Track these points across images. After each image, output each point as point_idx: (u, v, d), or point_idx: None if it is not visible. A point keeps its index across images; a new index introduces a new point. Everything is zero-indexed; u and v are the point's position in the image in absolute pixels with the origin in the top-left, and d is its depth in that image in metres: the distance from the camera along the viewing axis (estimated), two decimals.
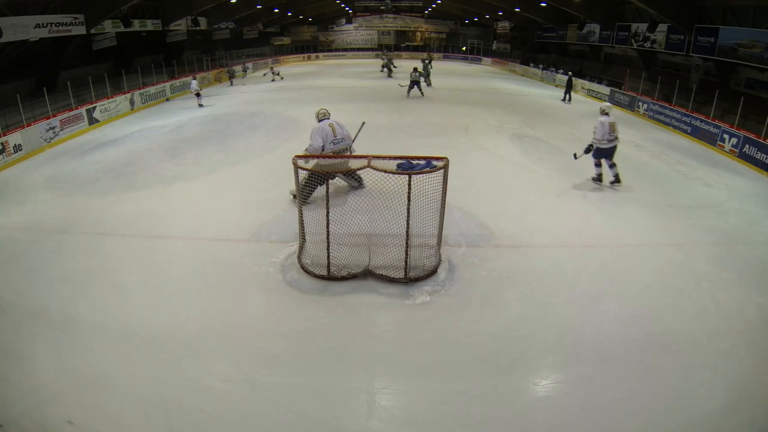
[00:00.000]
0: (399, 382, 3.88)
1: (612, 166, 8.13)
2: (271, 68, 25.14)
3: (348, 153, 6.69)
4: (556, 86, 22.57)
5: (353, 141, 7.04)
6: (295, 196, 6.65)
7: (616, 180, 8.19)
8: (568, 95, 18.20)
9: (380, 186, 5.01)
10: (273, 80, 22.91)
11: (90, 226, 6.56)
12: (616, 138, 8.04)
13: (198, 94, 16.30)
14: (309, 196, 6.37)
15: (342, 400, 3.68)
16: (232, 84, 22.35)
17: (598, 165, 8.26)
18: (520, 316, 4.67)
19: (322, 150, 6.47)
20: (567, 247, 6.05)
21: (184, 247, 5.97)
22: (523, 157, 9.98)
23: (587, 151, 8.23)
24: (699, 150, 11.70)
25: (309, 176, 6.12)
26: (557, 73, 23.48)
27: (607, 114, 8.08)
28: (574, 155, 8.55)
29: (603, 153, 8.09)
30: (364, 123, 7.44)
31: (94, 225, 6.58)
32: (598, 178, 8.30)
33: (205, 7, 21.49)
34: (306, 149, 6.71)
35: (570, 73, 19.22)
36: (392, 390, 3.81)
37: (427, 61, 20.84)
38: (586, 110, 16.45)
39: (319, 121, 6.82)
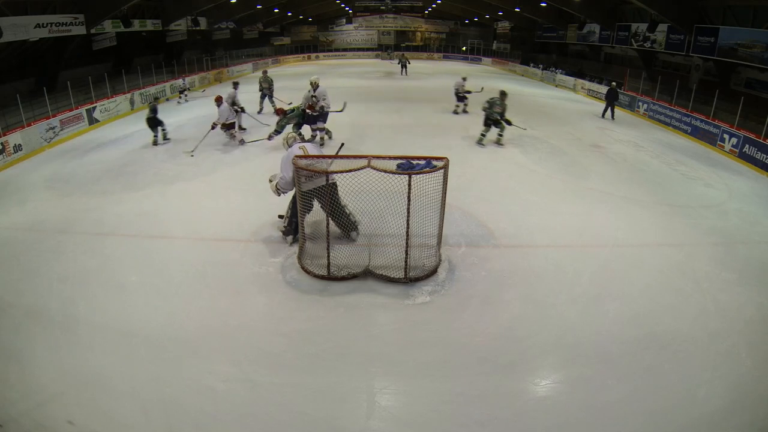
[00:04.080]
0: (399, 382, 3.88)
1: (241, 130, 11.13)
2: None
3: (326, 178, 5.32)
4: (556, 86, 22.59)
5: (330, 164, 5.52)
6: (281, 216, 6.16)
7: (243, 143, 10.76)
8: (610, 110, 14.71)
9: (380, 186, 5.00)
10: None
11: (90, 226, 6.56)
12: (240, 110, 11.22)
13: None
14: (297, 230, 5.62)
15: (342, 400, 3.68)
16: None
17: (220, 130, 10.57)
18: (520, 316, 4.67)
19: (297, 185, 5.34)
20: (567, 247, 6.05)
21: (184, 247, 5.97)
22: (523, 157, 9.97)
23: (213, 128, 10.42)
24: (699, 150, 11.71)
25: (295, 200, 5.51)
26: (557, 73, 23.40)
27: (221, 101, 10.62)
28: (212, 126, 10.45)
29: (231, 126, 10.68)
30: (342, 144, 6.47)
31: (94, 225, 6.58)
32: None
33: (205, 7, 21.46)
34: (276, 184, 5.71)
35: (614, 83, 15.06)
36: (392, 390, 3.81)
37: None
38: (587, 110, 16.45)
39: (289, 146, 5.81)
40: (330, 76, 25.18)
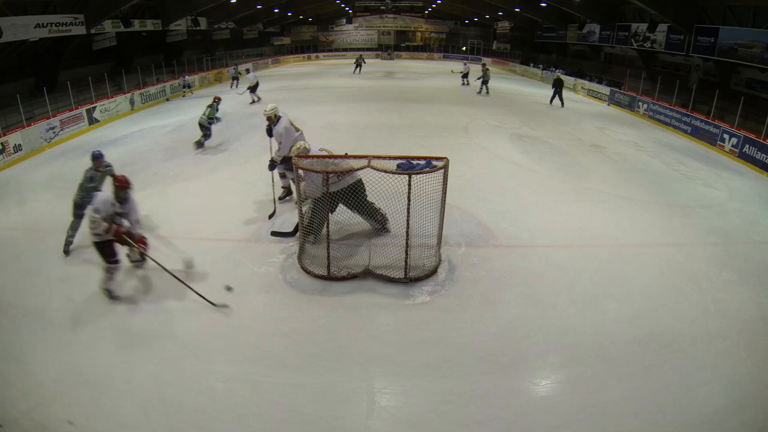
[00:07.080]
0: (399, 382, 3.88)
1: None
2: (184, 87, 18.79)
3: (353, 177, 5.43)
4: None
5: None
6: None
7: None
8: (558, 97, 16.23)
9: (380, 186, 5.00)
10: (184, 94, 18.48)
11: None
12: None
13: None
14: (320, 229, 5.31)
15: (342, 400, 3.68)
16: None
17: None
18: (520, 316, 4.67)
19: (325, 187, 5.03)
20: (567, 247, 6.05)
21: (184, 247, 5.95)
22: (523, 157, 9.98)
23: None
24: (699, 150, 11.71)
25: (315, 205, 5.34)
26: (557, 73, 23.28)
27: None
28: None
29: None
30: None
31: None
32: None
33: (205, 7, 21.48)
34: (303, 189, 5.36)
35: (558, 72, 18.02)
36: (392, 390, 3.81)
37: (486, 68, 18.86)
38: (587, 110, 16.47)
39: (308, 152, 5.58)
40: (330, 76, 25.22)
